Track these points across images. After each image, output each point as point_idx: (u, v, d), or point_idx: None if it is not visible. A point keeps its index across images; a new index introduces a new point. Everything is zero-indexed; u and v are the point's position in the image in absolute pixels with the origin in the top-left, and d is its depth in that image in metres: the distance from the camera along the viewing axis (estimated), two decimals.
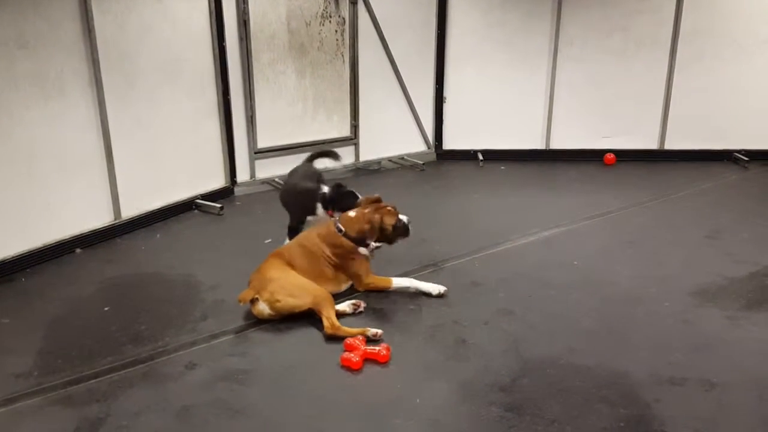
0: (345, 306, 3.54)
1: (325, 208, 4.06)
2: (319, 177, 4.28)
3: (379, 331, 3.25)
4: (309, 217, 4.14)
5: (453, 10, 6.61)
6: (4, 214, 4.10)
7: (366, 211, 3.73)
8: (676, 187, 5.86)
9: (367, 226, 3.66)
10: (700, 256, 4.33)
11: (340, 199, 4.02)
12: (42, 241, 4.35)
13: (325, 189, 4.08)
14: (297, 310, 3.43)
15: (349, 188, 4.10)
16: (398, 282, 3.79)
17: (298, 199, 4.18)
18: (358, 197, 4.01)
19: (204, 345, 3.29)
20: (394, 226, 3.74)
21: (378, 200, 3.86)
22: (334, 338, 3.26)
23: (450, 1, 6.58)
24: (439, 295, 3.71)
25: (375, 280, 3.79)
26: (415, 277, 3.90)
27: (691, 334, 3.32)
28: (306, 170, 4.38)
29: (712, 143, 6.73)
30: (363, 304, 3.58)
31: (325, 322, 3.31)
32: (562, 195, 5.75)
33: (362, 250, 3.73)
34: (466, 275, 4.05)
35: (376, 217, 3.68)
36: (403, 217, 3.79)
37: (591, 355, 3.13)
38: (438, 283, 3.84)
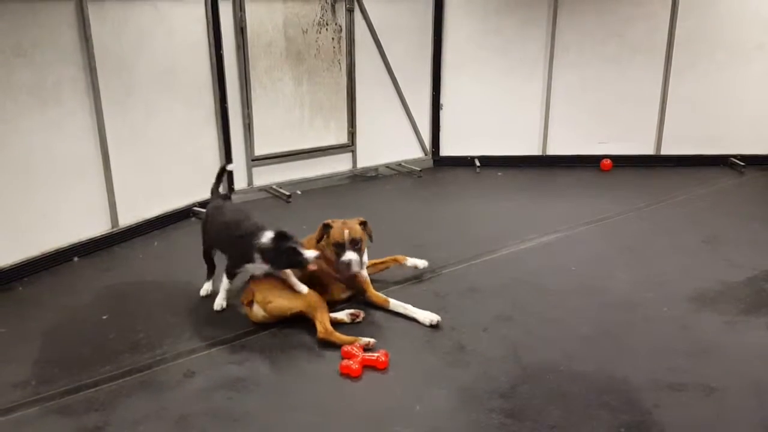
0: (343, 315, 3.53)
1: (264, 260, 3.41)
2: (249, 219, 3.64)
3: (372, 340, 3.23)
4: (247, 265, 3.52)
5: (449, 17, 6.62)
6: (1, 222, 4.09)
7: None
8: (673, 193, 5.87)
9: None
10: (697, 261, 4.34)
11: (280, 255, 3.36)
12: (39, 250, 4.33)
13: (265, 237, 3.39)
14: (289, 313, 3.43)
15: (290, 236, 3.40)
16: (395, 306, 3.64)
17: (236, 243, 3.53)
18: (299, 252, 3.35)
19: (202, 353, 3.28)
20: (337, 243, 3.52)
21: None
22: (327, 343, 3.25)
23: (446, 8, 6.59)
24: (432, 325, 3.46)
25: (375, 295, 3.71)
26: (414, 283, 3.91)
27: (689, 339, 3.33)
28: (234, 208, 3.94)
29: (708, 148, 6.75)
30: (362, 314, 3.56)
31: (318, 327, 3.31)
32: (559, 201, 5.76)
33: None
34: (464, 281, 4.05)
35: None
36: (350, 255, 3.47)
37: (590, 360, 3.13)
38: (437, 289, 3.85)
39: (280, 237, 3.34)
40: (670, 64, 6.52)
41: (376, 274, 4.03)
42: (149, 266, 4.45)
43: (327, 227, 3.61)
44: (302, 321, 3.44)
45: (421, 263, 4.06)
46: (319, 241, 3.62)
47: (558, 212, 5.40)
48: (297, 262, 3.33)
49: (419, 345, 3.30)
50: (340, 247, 3.52)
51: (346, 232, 3.52)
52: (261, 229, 3.41)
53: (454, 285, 3.99)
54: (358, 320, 3.53)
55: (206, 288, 3.92)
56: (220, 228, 3.72)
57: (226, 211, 3.80)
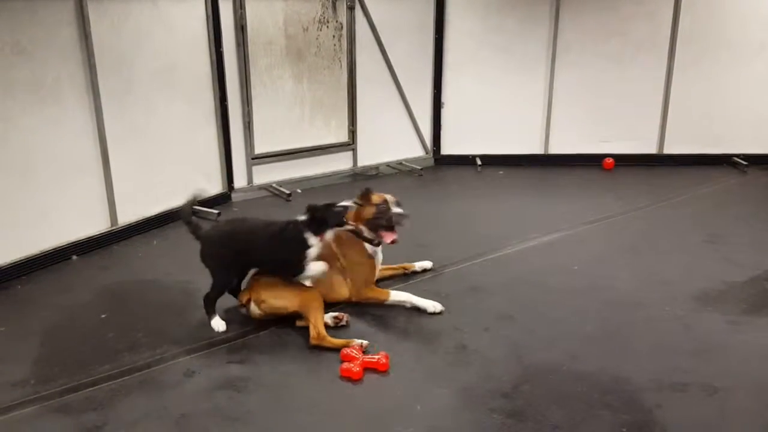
0: (327, 318, 3.43)
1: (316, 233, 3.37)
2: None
3: (365, 342, 3.19)
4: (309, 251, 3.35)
5: (451, 16, 6.61)
6: (0, 220, 4.07)
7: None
8: (676, 192, 5.85)
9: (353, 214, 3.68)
10: (700, 261, 4.32)
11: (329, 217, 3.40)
12: (38, 248, 4.32)
13: (301, 217, 3.40)
14: (283, 312, 3.40)
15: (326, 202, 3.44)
16: (395, 296, 3.67)
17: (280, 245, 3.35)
18: (342, 208, 3.45)
19: (202, 352, 3.26)
20: (377, 206, 3.66)
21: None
22: (319, 348, 3.20)
23: (448, 7, 6.58)
24: (435, 313, 3.55)
25: (374, 291, 3.71)
26: (415, 283, 3.89)
27: (692, 338, 3.31)
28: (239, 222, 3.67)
29: (710, 148, 6.73)
30: (346, 318, 3.48)
31: (312, 331, 3.25)
32: (561, 200, 5.74)
33: (369, 247, 3.68)
34: (466, 280, 4.03)
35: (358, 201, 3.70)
36: (396, 209, 3.66)
37: (592, 360, 3.11)
38: (438, 288, 3.83)
39: (311, 210, 3.39)
40: (672, 63, 6.51)
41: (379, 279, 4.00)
42: (148, 265, 4.43)
43: (363, 197, 3.72)
44: (303, 320, 3.41)
45: (428, 264, 4.18)
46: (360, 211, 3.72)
47: (560, 211, 5.38)
48: (340, 216, 3.43)
49: (420, 345, 3.28)
50: (383, 207, 3.66)
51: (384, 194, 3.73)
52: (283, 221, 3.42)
53: (455, 284, 3.97)
54: (342, 324, 3.44)
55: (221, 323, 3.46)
56: (252, 240, 3.39)
57: (237, 226, 3.55)
